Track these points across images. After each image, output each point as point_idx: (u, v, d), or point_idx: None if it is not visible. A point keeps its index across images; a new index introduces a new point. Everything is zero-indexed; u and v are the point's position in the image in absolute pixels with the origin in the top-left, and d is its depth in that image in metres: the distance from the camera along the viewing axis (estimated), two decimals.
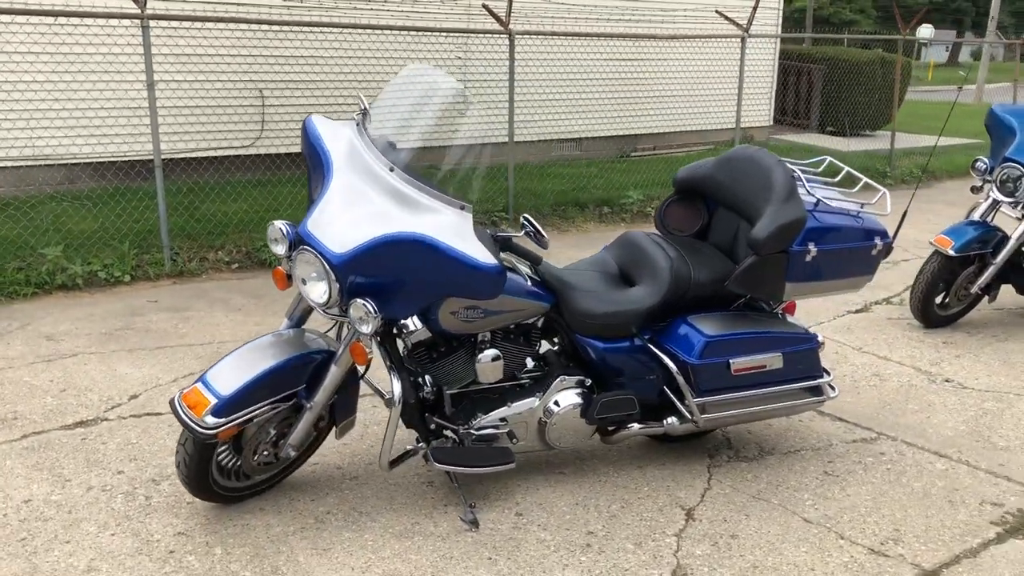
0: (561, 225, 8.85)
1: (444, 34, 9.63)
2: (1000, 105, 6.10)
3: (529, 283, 3.39)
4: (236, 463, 3.29)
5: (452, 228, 2.97)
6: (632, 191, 9.58)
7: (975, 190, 5.85)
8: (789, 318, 3.78)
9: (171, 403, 3.14)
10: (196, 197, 7.77)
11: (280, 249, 3.15)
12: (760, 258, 3.42)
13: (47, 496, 3.46)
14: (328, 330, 3.46)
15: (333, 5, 9.49)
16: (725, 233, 3.82)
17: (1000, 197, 5.62)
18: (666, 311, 3.54)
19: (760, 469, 3.84)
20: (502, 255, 3.25)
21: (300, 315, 3.38)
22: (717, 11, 10.49)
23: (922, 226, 8.06)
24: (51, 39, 7.66)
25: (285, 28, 8.36)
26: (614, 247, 3.83)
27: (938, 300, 5.78)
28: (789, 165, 3.69)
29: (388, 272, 2.98)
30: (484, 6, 8.35)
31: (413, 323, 3.22)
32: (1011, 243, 5.53)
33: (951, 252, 5.50)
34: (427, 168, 3.22)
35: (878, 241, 3.62)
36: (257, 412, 3.12)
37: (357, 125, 3.22)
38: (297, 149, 9.30)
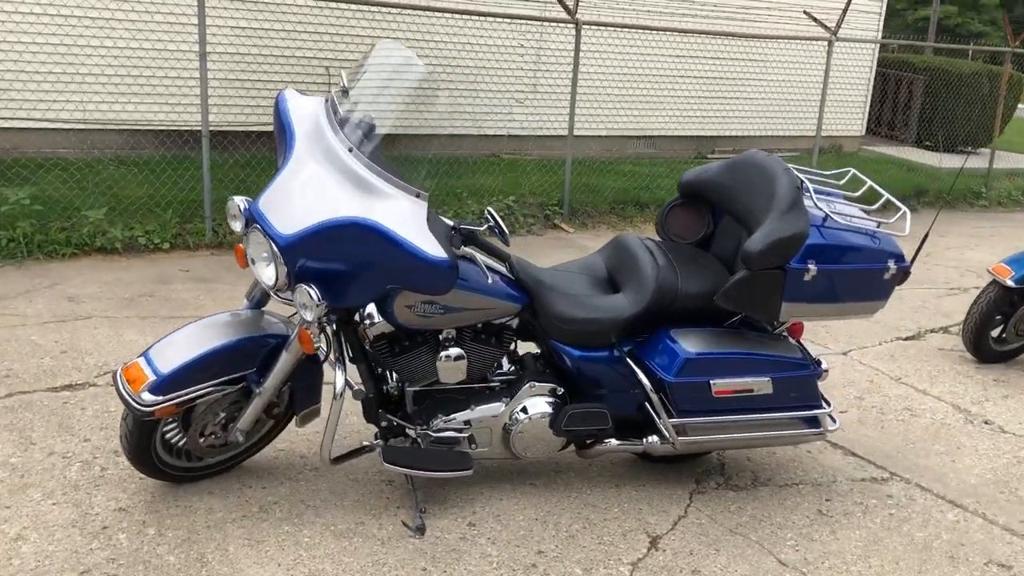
0: (617, 224, 8.59)
1: (510, 20, 9.43)
2: None
3: (501, 281, 3.19)
4: (183, 441, 3.20)
5: (404, 216, 2.80)
6: None
7: None
8: (791, 341, 3.46)
9: (113, 376, 3.06)
10: (251, 171, 7.81)
11: (237, 226, 3.03)
12: (751, 273, 3.14)
13: (6, 458, 3.44)
14: (292, 315, 3.33)
15: None
16: (729, 243, 3.55)
17: None
18: (649, 322, 3.29)
19: (747, 500, 3.56)
20: (468, 250, 3.06)
21: (260, 296, 3.25)
22: (805, 12, 10.00)
23: (1001, 252, 7.50)
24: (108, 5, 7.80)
25: (353, 6, 8.30)
26: (606, 250, 3.60)
27: (995, 333, 5.32)
28: (800, 175, 3.39)
29: (335, 258, 2.84)
30: None
31: (374, 314, 3.07)
32: None
33: (1010, 282, 5.05)
34: (391, 152, 3.06)
35: (891, 264, 3.29)
36: (199, 393, 3.02)
37: (326, 102, 3.08)
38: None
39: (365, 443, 3.32)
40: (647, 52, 10.86)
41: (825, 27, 9.86)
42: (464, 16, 8.85)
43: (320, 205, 2.82)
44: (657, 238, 3.69)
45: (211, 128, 6.99)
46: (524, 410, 3.28)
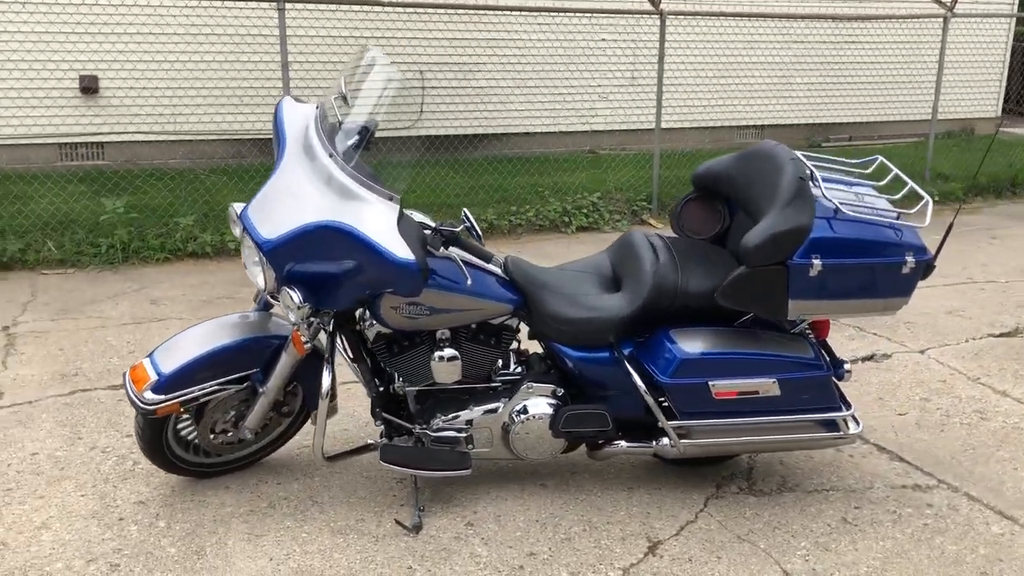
0: None
1: (591, 14, 9.31)
2: None
3: (494, 281, 3.18)
4: (196, 438, 3.34)
5: (375, 218, 2.84)
6: None
7: None
8: (805, 340, 3.28)
9: (124, 375, 3.23)
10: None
11: (237, 231, 3.15)
12: (750, 270, 3.00)
13: (53, 451, 3.69)
14: None
15: None
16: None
17: None
18: (650, 322, 3.20)
19: (767, 506, 3.41)
20: (454, 250, 3.06)
21: (267, 298, 3.36)
22: None
23: None
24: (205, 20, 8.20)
25: (440, 10, 8.44)
26: (613, 247, 3.52)
27: None
28: (813, 164, 3.21)
29: (314, 260, 2.91)
30: None
31: (367, 315, 3.14)
32: None
33: None
34: (375, 157, 3.11)
35: (910, 258, 3.06)
36: (201, 392, 3.15)
37: (318, 108, 3.15)
38: (455, 131, 9.57)
39: (369, 441, 3.37)
40: (747, 39, 10.52)
41: (940, 3, 9.29)
42: (543, 12, 8.82)
43: (301, 210, 2.89)
44: (673, 234, 3.59)
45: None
46: (523, 410, 3.26)
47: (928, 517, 3.37)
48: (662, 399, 3.21)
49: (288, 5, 6.91)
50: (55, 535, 3.12)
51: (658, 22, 8.05)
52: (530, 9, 8.40)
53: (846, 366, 3.31)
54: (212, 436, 3.33)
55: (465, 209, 3.16)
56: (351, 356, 3.26)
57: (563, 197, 8.18)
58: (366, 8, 8.13)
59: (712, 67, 10.47)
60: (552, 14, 8.98)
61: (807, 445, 3.41)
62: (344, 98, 3.27)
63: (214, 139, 8.80)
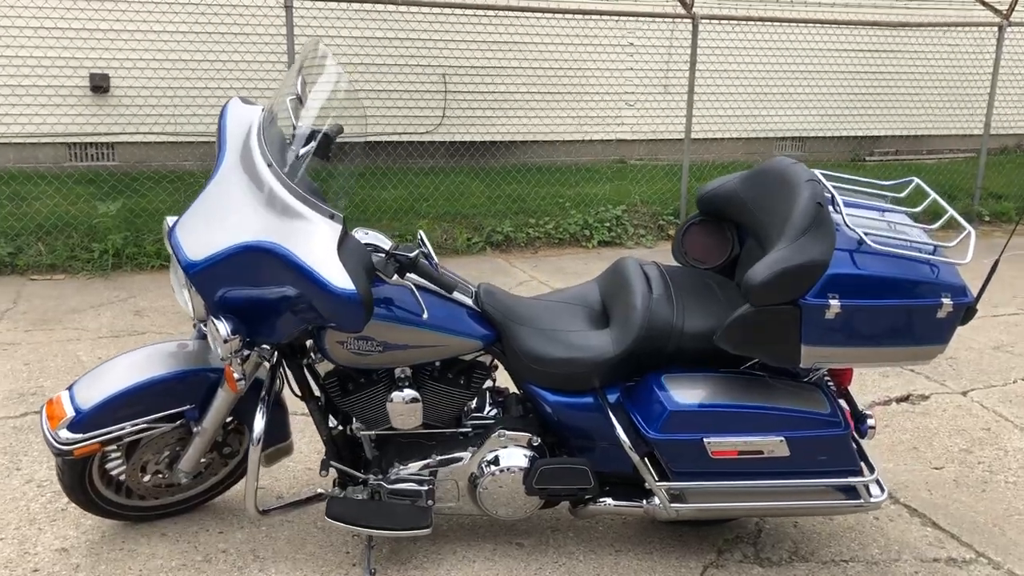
0: None
1: (618, 18, 8.86)
2: None
3: (464, 314, 2.77)
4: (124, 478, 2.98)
5: (313, 240, 2.44)
6: None
7: None
8: (818, 392, 2.81)
9: (41, 409, 2.87)
10: (362, 182, 7.76)
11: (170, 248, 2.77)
12: (755, 309, 2.56)
13: None
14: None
15: None
16: None
17: None
18: (640, 364, 2.76)
19: None
20: (410, 278, 2.66)
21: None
22: None
23: None
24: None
25: (459, 10, 8.05)
26: (603, 275, 3.09)
27: None
28: (835, 187, 2.76)
29: (246, 287, 2.52)
30: None
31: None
32: None
33: None
34: (319, 167, 2.72)
35: (947, 300, 2.59)
36: (124, 431, 2.78)
37: (264, 111, 2.76)
38: (480, 137, 9.18)
39: (320, 490, 2.97)
40: (786, 46, 9.99)
41: (995, 10, 8.70)
42: (570, 15, 8.40)
43: (234, 228, 2.51)
44: (675, 262, 3.15)
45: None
46: (493, 462, 2.84)
47: None
48: (653, 454, 2.77)
49: (296, 4, 6.58)
50: None
51: (690, 26, 7.58)
52: (556, 11, 7.99)
53: (870, 421, 2.85)
54: (143, 477, 2.96)
55: (421, 231, 2.75)
56: (299, 394, 2.87)
57: (585, 209, 7.76)
58: (379, 7, 7.76)
59: (748, 75, 9.97)
60: (580, 16, 8.55)
61: (821, 512, 2.96)
62: (299, 99, 2.89)
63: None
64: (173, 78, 8.17)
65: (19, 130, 7.89)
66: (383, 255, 2.59)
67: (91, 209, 6.67)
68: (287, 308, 2.52)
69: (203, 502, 3.18)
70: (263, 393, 2.74)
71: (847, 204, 2.73)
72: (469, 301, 2.81)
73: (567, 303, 2.99)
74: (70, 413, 2.73)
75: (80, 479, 2.87)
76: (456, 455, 2.88)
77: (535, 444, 2.86)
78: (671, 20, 8.73)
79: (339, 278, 2.38)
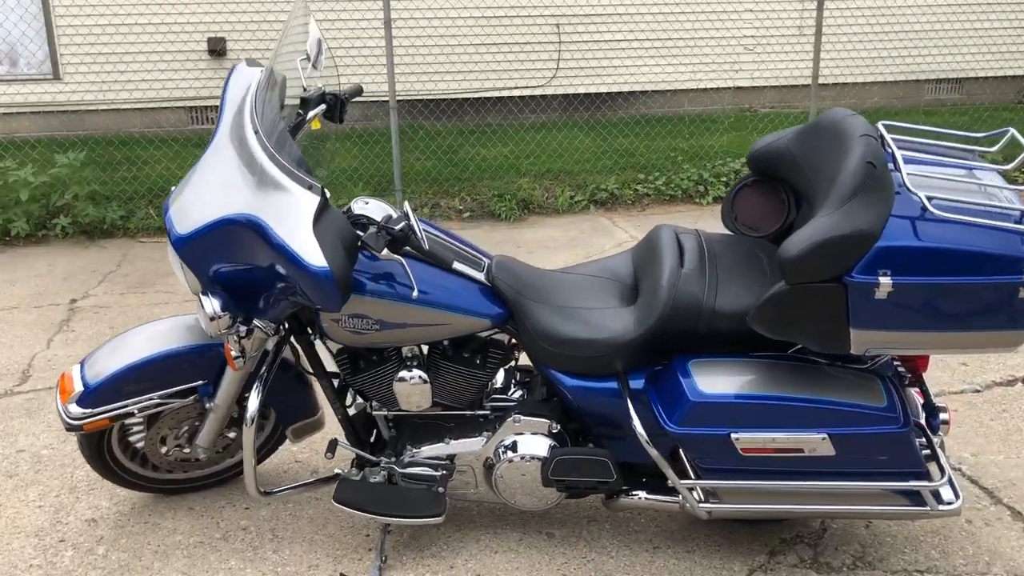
0: None
1: None
2: None
3: (470, 288, 2.54)
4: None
5: (291, 213, 2.26)
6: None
7: None
8: (876, 381, 2.42)
9: (57, 383, 2.85)
10: (466, 140, 7.62)
11: None
12: (790, 288, 2.20)
13: (39, 450, 3.42)
14: None
15: None
16: None
17: None
18: (667, 347, 2.46)
19: None
20: (406, 252, 2.44)
21: None
22: None
23: None
24: None
25: None
26: (639, 246, 2.78)
27: None
28: (902, 140, 2.34)
29: (233, 261, 2.38)
30: None
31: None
32: None
33: None
34: (307, 135, 2.55)
35: None
36: (136, 406, 2.72)
37: (263, 73, 2.59)
38: (595, 89, 8.83)
39: (338, 471, 2.84)
40: None
41: None
42: None
43: (221, 200, 2.37)
44: (723, 229, 2.80)
45: (399, 98, 6.83)
46: (512, 447, 2.62)
47: None
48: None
49: None
50: None
51: None
52: None
53: (943, 415, 2.45)
54: (163, 450, 2.91)
55: (407, 202, 2.50)
56: (311, 370, 2.74)
57: (700, 163, 7.30)
58: None
59: (891, 8, 9.09)
60: None
61: (881, 516, 2.59)
62: (309, 59, 2.73)
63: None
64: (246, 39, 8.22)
65: (141, 95, 8.15)
66: (375, 228, 2.39)
67: None
68: (273, 284, 2.37)
69: (233, 476, 3.11)
70: (262, 370, 2.61)
71: (910, 161, 2.31)
72: (479, 275, 2.58)
73: (596, 277, 2.70)
74: (79, 388, 2.69)
75: (98, 451, 2.84)
76: (472, 439, 2.68)
77: (555, 431, 2.62)
78: None
79: (312, 254, 2.19)
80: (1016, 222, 2.20)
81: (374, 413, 2.75)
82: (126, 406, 2.70)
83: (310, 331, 2.69)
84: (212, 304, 2.37)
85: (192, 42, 8.17)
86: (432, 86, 8.54)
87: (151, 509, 3.02)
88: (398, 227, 2.35)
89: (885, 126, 2.54)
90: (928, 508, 2.42)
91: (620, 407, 2.51)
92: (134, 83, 8.07)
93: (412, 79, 8.45)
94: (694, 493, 2.48)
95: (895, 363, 2.56)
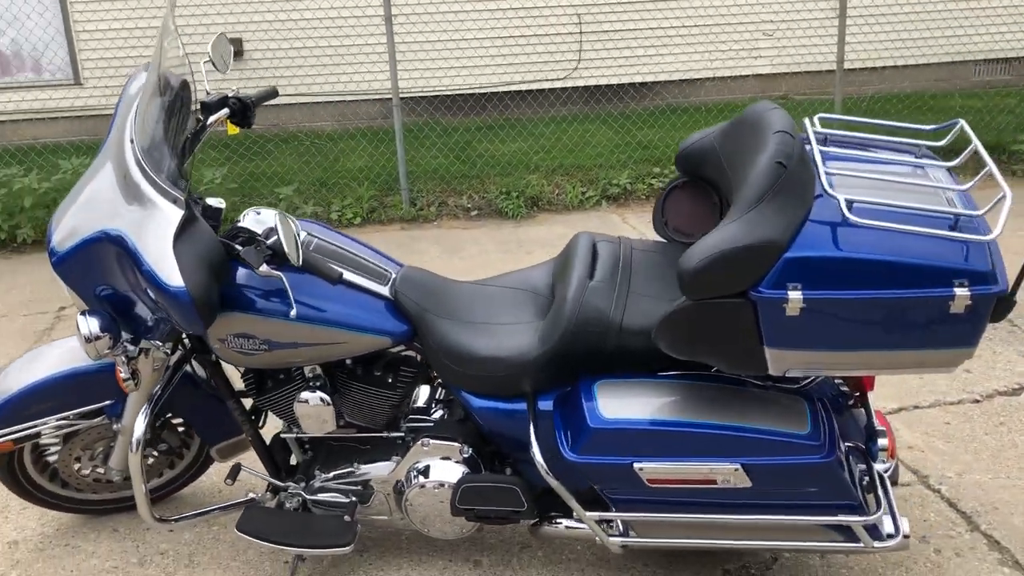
0: None
1: None
2: None
3: (368, 303, 2.37)
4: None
5: (154, 228, 2.13)
6: None
7: None
8: (802, 405, 2.18)
9: None
10: (484, 135, 7.45)
11: None
12: (693, 303, 1.98)
13: None
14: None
15: None
16: None
17: None
18: (574, 366, 2.26)
19: None
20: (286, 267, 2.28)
21: None
22: None
23: None
24: None
25: None
26: (560, 255, 2.57)
27: None
28: (823, 136, 2.10)
29: (107, 280, 2.25)
30: None
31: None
32: None
33: None
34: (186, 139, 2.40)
35: (962, 290, 1.89)
36: (40, 428, 2.62)
37: (156, 79, 2.45)
38: (617, 80, 8.57)
39: (253, 495, 2.70)
40: None
41: None
42: None
43: (95, 214, 2.25)
44: (654, 236, 2.58)
45: (402, 95, 6.70)
46: (424, 472, 2.44)
47: None
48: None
49: None
50: None
51: None
52: None
53: (881, 441, 2.20)
54: (79, 470, 2.81)
55: (277, 212, 2.30)
56: (213, 391, 2.61)
57: None
58: None
59: None
60: None
61: (812, 551, 2.34)
62: (213, 62, 2.60)
63: (358, 99, 8.39)
64: (307, 37, 8.15)
65: None
66: (255, 243, 2.24)
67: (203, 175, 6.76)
68: (147, 303, 2.23)
69: (162, 497, 2.99)
70: (154, 392, 2.47)
71: (838, 159, 2.07)
72: (382, 289, 2.41)
73: (513, 289, 2.51)
74: None
75: (10, 471, 2.75)
76: (382, 463, 2.52)
77: (466, 455, 2.43)
78: None
79: (170, 273, 2.05)
80: (950, 228, 1.94)
81: (282, 435, 2.60)
82: (29, 428, 2.61)
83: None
84: (88, 324, 2.24)
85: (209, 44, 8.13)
86: (448, 81, 8.39)
87: (75, 531, 2.92)
88: (270, 241, 2.19)
89: (821, 119, 2.30)
90: (863, 546, 2.17)
91: (526, 431, 2.31)
92: None
93: (428, 75, 8.31)
94: (606, 526, 2.28)
95: (836, 381, 2.32)
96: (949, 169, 2.19)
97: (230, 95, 2.65)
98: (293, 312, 2.22)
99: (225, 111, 2.63)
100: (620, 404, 2.15)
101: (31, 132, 8.10)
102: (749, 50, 8.58)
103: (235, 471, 2.60)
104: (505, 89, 8.44)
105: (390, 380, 2.48)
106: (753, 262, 1.91)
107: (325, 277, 2.24)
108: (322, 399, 2.43)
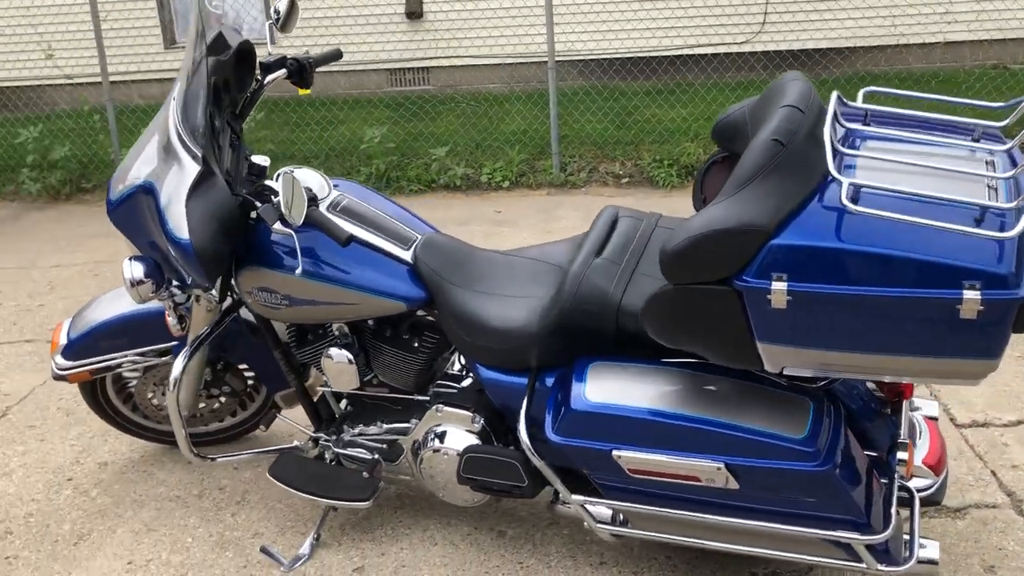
0: None
1: None
2: None
3: (388, 266, 2.39)
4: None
5: (175, 181, 2.24)
6: None
7: None
8: (804, 406, 1.99)
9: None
10: (652, 100, 7.29)
11: None
12: (676, 289, 1.86)
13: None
14: None
15: None
16: None
17: None
18: (575, 343, 2.18)
19: None
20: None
21: None
22: None
23: None
24: None
25: None
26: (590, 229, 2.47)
27: None
28: (851, 113, 1.89)
29: (146, 229, 2.40)
30: None
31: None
32: None
33: None
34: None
35: (972, 293, 1.64)
36: (113, 362, 2.85)
37: (202, 33, 2.54)
38: (804, 44, 8.09)
39: (297, 443, 2.82)
40: None
41: None
42: None
43: (143, 166, 2.41)
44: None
45: (567, 58, 6.67)
46: (438, 437, 2.46)
47: None
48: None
49: None
50: (17, 480, 3.09)
51: None
52: None
53: (900, 455, 1.98)
54: (154, 403, 3.04)
55: (281, 173, 2.30)
56: (268, 341, 2.72)
57: None
58: None
59: None
60: None
61: (813, 564, 2.14)
62: (278, 22, 2.68)
63: (528, 62, 8.40)
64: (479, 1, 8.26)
65: (347, 58, 8.53)
66: (271, 201, 2.30)
67: (391, 132, 6.98)
68: (167, 253, 2.35)
69: (238, 435, 3.16)
70: (199, 336, 2.62)
71: (868, 137, 1.86)
72: (404, 254, 2.42)
73: (533, 260, 2.44)
74: (63, 341, 2.86)
75: (94, 398, 3.02)
76: (403, 424, 2.55)
77: (476, 425, 2.42)
78: None
79: (178, 224, 2.16)
80: (976, 221, 1.70)
81: (320, 389, 2.69)
82: (104, 361, 2.84)
83: None
84: (131, 269, 2.40)
85: (391, 5, 8.42)
86: (619, 44, 8.23)
87: (156, 460, 3.17)
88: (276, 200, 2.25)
89: (866, 94, 2.07)
90: (865, 567, 1.97)
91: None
92: (343, 44, 8.45)
93: (598, 36, 8.18)
94: (586, 512, 2.20)
95: (869, 385, 2.11)
96: (1010, 152, 1.91)
97: (288, 56, 2.72)
98: (298, 270, 2.27)
99: (283, 71, 2.70)
100: (608, 388, 2.06)
101: None
102: (965, 12, 7.79)
103: (270, 419, 2.72)
104: (678, 53, 8.17)
105: (416, 344, 2.50)
106: (735, 247, 1.76)
107: (334, 238, 2.28)
108: (347, 357, 2.48)
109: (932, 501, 2.19)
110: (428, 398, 2.56)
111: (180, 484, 3.02)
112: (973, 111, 2.04)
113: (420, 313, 2.50)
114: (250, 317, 2.68)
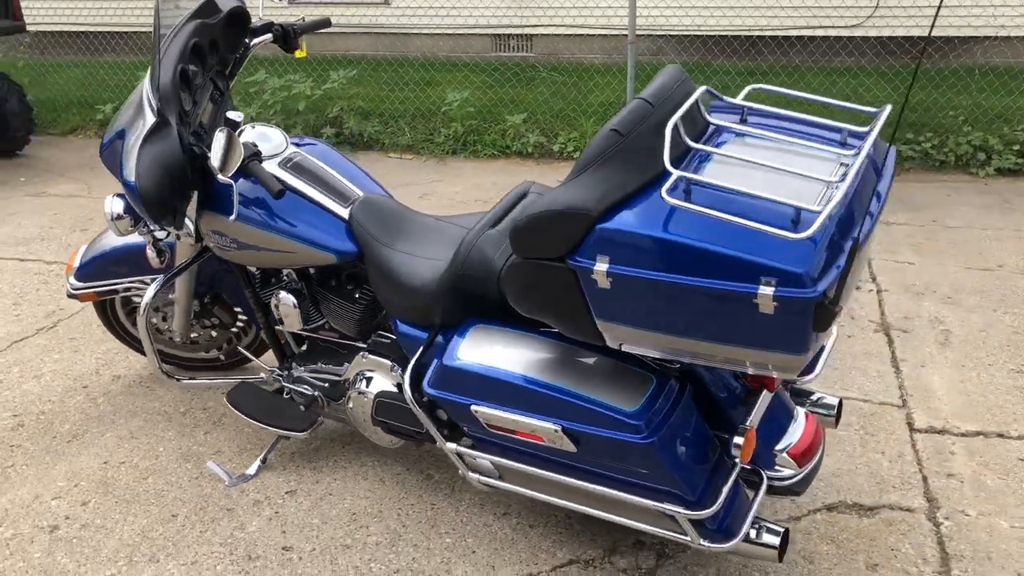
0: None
1: None
2: None
3: (323, 219, 2.62)
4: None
5: (136, 130, 2.52)
6: None
7: None
8: (644, 380, 2.09)
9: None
10: (745, 81, 7.22)
11: None
12: (522, 262, 2.01)
13: None
14: None
15: None
16: None
17: None
18: (467, 305, 2.35)
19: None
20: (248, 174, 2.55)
21: None
22: None
23: None
24: None
25: None
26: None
27: None
28: (721, 110, 1.96)
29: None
30: None
31: None
32: None
33: None
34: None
35: (767, 288, 1.71)
36: (116, 286, 3.20)
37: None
38: (913, 32, 7.77)
39: (263, 373, 3.11)
40: None
41: None
42: None
43: (125, 113, 2.71)
44: None
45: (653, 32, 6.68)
46: (360, 380, 2.69)
47: None
48: None
49: None
50: (43, 383, 3.53)
51: None
52: None
53: (736, 440, 2.06)
54: (157, 327, 3.39)
55: (224, 128, 2.49)
56: (240, 280, 3.01)
57: (991, 126, 6.16)
58: None
59: None
60: None
61: (645, 531, 2.25)
62: None
63: (623, 34, 8.41)
64: None
65: (451, 22, 8.79)
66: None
67: (480, 96, 7.19)
68: None
69: (235, 364, 3.48)
70: (174, 270, 2.92)
71: (733, 133, 1.95)
72: (340, 209, 2.64)
73: (457, 227, 2.61)
74: (76, 264, 3.24)
75: (106, 318, 3.40)
76: (338, 367, 2.79)
77: (395, 374, 2.63)
78: None
79: (130, 168, 2.44)
80: (792, 221, 1.76)
81: (277, 328, 2.96)
82: (109, 284, 3.20)
83: None
84: (111, 205, 2.73)
85: None
86: (727, 22, 8.10)
87: (160, 381, 3.53)
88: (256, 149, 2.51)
89: (753, 90, 2.13)
90: (689, 539, 2.08)
91: None
92: (446, 9, 8.71)
93: (694, 12, 8.10)
94: (457, 459, 2.39)
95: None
96: (871, 157, 1.94)
97: (274, 22, 2.96)
98: (232, 215, 2.53)
99: (268, 36, 2.95)
100: (478, 349, 2.22)
101: (344, 44, 9.13)
102: None
103: (232, 352, 3.01)
104: (785, 33, 8.00)
105: (357, 296, 2.73)
106: (566, 228, 1.89)
107: (268, 189, 2.50)
108: (292, 302, 2.74)
109: (789, 491, 2.25)
110: (367, 346, 2.79)
111: (173, 402, 3.38)
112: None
113: (358, 267, 2.72)
114: None
